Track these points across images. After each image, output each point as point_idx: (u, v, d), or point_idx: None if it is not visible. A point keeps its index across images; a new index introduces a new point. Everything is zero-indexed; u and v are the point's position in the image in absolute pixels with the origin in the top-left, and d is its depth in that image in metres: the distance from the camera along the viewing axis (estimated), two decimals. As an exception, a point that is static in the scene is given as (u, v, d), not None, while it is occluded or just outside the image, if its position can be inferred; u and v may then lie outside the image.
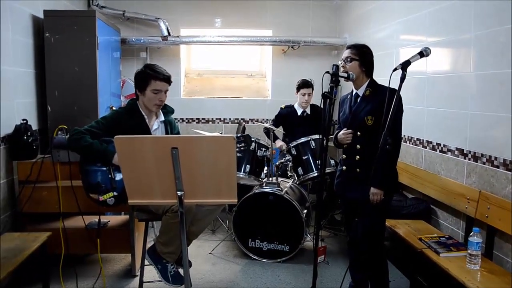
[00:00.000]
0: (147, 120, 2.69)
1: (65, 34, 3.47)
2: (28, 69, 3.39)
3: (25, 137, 3.03)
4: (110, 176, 2.53)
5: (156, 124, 2.75)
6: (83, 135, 2.50)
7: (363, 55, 2.51)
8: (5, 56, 2.98)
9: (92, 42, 3.52)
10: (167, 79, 2.64)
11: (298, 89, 4.21)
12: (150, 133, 2.68)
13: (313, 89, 4.22)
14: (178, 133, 2.97)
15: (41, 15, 3.46)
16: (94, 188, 2.51)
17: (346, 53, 2.53)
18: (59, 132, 3.07)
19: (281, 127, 4.38)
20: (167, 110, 2.84)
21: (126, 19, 4.99)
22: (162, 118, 2.78)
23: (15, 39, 3.15)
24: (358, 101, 2.55)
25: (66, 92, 3.51)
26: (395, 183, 2.65)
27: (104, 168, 2.53)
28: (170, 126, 2.84)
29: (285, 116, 4.32)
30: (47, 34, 3.45)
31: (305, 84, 4.18)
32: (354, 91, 2.59)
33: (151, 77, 2.60)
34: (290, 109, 4.33)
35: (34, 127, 3.32)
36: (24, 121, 3.07)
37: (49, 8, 3.53)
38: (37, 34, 3.48)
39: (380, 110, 2.36)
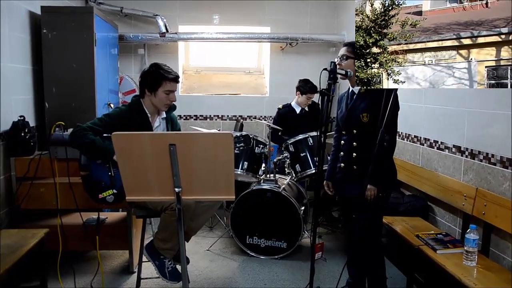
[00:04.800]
0: (150, 119, 2.69)
1: (62, 30, 3.45)
2: (26, 65, 3.37)
3: (22, 134, 3.02)
4: (109, 173, 2.53)
5: (157, 122, 2.74)
6: (85, 132, 2.49)
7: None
8: (2, 52, 2.96)
9: (89, 39, 3.50)
10: (177, 79, 2.64)
11: (305, 92, 4.20)
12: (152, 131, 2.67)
13: None
14: (179, 130, 2.95)
15: (38, 11, 3.45)
16: (95, 185, 2.51)
17: (343, 51, 2.53)
18: (57, 128, 3.06)
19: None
20: (169, 107, 2.83)
21: (124, 15, 4.97)
22: (163, 115, 2.77)
23: (12, 35, 3.13)
24: (354, 98, 2.55)
25: (64, 89, 3.50)
26: (393, 180, 2.66)
27: (104, 165, 2.53)
28: (171, 123, 2.83)
29: (285, 116, 4.33)
30: (44, 31, 3.43)
31: (314, 89, 4.17)
32: (350, 89, 2.59)
33: (164, 78, 2.57)
34: (288, 108, 4.35)
35: (32, 123, 3.31)
36: (22, 118, 3.06)
37: (47, 5, 3.50)
38: (35, 31, 3.46)
39: (375, 107, 2.36)
